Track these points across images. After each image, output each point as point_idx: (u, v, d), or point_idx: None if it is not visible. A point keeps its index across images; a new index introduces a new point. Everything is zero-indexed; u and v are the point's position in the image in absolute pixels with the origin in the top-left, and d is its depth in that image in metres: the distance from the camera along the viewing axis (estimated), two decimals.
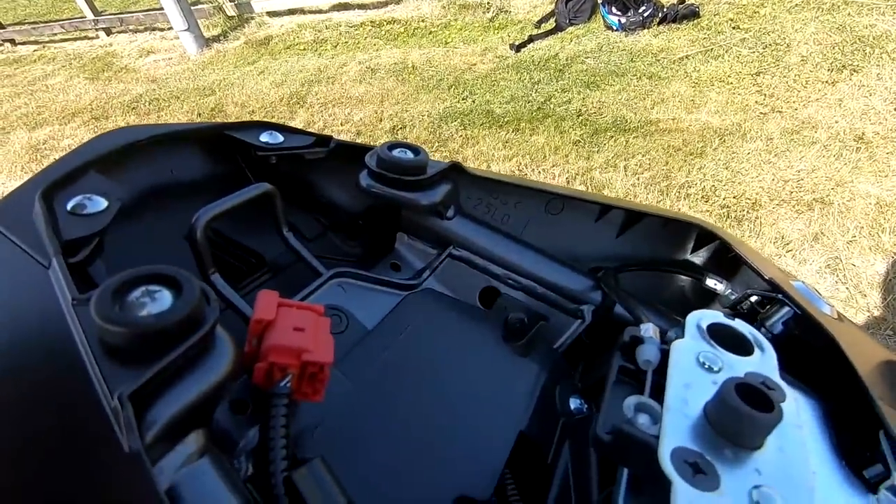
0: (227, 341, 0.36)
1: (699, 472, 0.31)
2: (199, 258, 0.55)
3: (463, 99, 3.47)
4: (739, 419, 0.32)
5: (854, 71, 2.76)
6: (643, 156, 2.58)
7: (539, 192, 0.72)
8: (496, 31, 4.24)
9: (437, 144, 3.07)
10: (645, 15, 3.67)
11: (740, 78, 2.95)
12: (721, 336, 0.43)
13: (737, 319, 0.44)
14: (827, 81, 2.75)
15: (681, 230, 0.65)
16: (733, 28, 3.41)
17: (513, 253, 0.74)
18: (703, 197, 2.29)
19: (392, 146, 0.70)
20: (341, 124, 3.50)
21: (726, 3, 3.69)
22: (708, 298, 0.65)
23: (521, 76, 3.55)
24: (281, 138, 0.78)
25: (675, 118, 2.80)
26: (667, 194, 2.34)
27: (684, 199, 2.30)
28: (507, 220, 0.77)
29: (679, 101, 2.92)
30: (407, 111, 3.47)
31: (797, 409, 0.37)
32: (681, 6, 3.69)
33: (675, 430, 0.34)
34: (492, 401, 0.53)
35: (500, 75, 3.64)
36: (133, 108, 4.31)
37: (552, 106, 3.17)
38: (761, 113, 2.67)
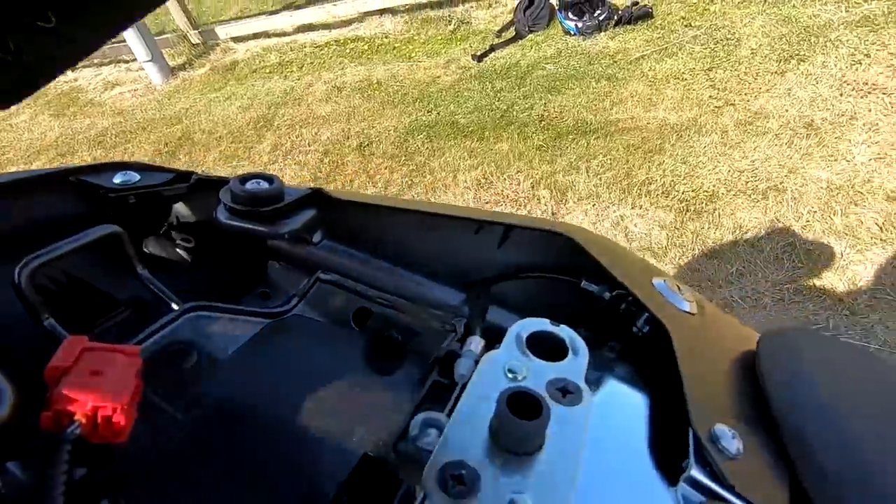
0: (6, 391, 0.36)
1: (460, 484, 0.31)
2: (28, 306, 0.55)
3: (428, 111, 3.50)
4: (505, 426, 0.33)
5: (801, 60, 2.84)
6: (604, 156, 2.63)
7: (411, 211, 0.73)
8: (458, 43, 4.30)
9: (403, 158, 3.09)
10: (601, 18, 3.75)
11: (694, 74, 3.02)
12: (543, 343, 0.43)
13: (562, 325, 0.44)
14: (776, 72, 2.82)
15: (552, 237, 0.65)
16: (685, 26, 3.50)
17: (383, 273, 0.75)
18: (663, 192, 2.33)
19: (245, 179, 0.71)
20: (308, 144, 3.51)
21: (678, 2, 3.79)
22: (589, 301, 0.65)
23: (484, 85, 3.59)
24: (137, 177, 0.79)
25: (634, 117, 2.86)
26: (629, 192, 2.38)
27: (645, 195, 2.34)
28: (381, 239, 0.77)
29: (637, 100, 2.98)
30: (373, 127, 3.49)
31: (593, 409, 0.37)
32: (634, 8, 3.77)
33: (453, 444, 0.34)
34: (340, 424, 0.53)
35: (463, 86, 3.69)
36: (99, 143, 4.28)
37: (515, 113, 3.21)
38: (716, 107, 2.74)
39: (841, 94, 2.53)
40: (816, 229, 1.98)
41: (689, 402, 0.41)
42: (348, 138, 3.44)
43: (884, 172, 2.09)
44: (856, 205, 2.01)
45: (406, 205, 0.73)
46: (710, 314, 0.62)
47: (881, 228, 1.90)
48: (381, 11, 4.99)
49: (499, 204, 2.55)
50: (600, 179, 2.48)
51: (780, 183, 2.19)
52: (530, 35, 4.05)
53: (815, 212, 2.03)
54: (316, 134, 3.61)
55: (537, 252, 0.70)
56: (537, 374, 0.40)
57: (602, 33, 3.74)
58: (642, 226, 2.21)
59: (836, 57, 2.78)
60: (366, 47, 4.66)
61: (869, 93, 2.48)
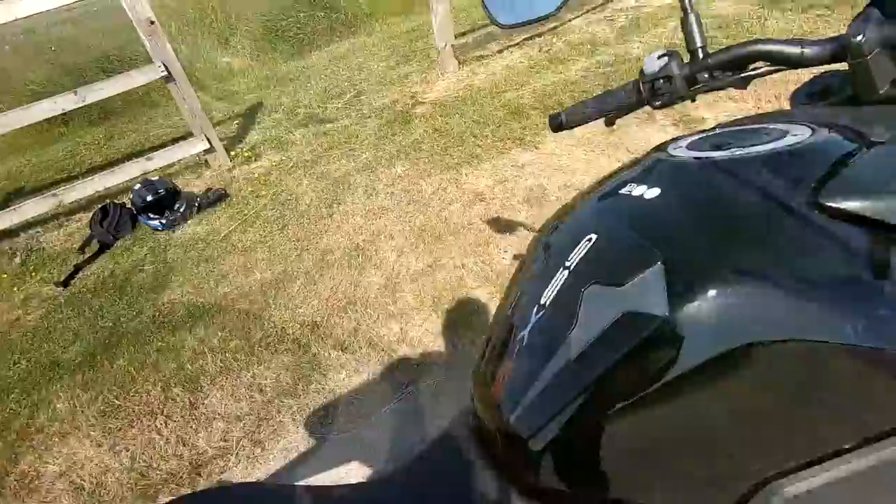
0: None
1: None
2: None
3: (14, 364, 3.05)
4: None
5: (339, 202, 3.91)
6: (223, 331, 2.92)
7: None
8: (34, 274, 3.91)
9: None
10: (182, 210, 4.14)
11: (273, 235, 3.72)
12: None
13: None
14: (327, 215, 3.79)
15: None
16: (256, 197, 4.26)
17: None
18: (279, 340, 2.78)
19: None
20: None
21: (244, 180, 4.58)
22: None
23: (80, 309, 3.40)
24: None
25: (238, 286, 3.29)
26: (252, 353, 2.73)
27: (266, 349, 2.73)
28: None
29: (237, 270, 3.44)
30: None
31: None
32: (209, 192, 4.35)
33: None
34: None
35: (54, 318, 3.38)
36: None
37: (124, 324, 3.17)
38: (296, 255, 3.45)
39: (367, 220, 3.63)
40: (384, 318, 2.77)
41: None
42: None
43: (405, 263, 3.13)
44: (398, 291, 2.93)
45: None
46: None
47: (416, 301, 2.84)
48: None
49: (132, 426, 2.47)
50: (226, 354, 2.75)
51: (353, 296, 2.97)
52: (118, 242, 4.07)
53: (378, 307, 2.85)
54: None
55: None
56: None
57: (188, 222, 4.13)
58: (270, 377, 2.57)
59: (358, 194, 3.96)
60: None
61: (382, 214, 3.65)
